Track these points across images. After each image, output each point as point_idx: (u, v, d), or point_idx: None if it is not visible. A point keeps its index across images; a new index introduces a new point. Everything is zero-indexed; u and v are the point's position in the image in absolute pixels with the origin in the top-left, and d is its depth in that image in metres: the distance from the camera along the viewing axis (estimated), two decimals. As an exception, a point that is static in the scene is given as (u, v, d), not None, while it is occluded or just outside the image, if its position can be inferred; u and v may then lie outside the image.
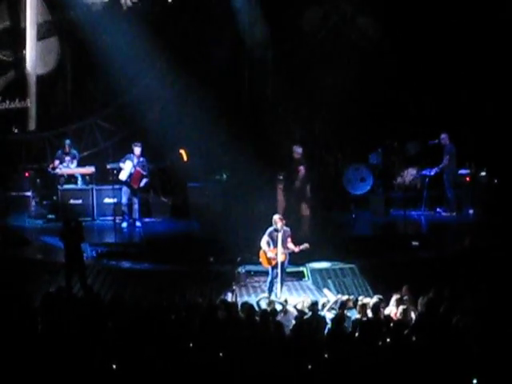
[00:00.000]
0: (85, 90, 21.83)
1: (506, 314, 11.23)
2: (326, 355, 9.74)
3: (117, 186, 19.09)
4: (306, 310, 13.33)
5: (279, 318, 12.75)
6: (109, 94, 21.56)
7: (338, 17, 21.41)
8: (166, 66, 20.94)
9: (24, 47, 21.24)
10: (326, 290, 14.90)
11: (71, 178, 20.10)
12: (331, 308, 13.58)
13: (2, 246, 17.24)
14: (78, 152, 20.39)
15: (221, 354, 9.66)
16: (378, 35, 20.96)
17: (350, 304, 13.54)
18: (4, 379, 9.20)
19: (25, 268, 15.81)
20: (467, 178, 19.91)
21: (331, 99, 20.08)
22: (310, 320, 12.27)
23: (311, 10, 21.43)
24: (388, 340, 10.39)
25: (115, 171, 19.13)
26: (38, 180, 20.68)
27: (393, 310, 12.58)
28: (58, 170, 19.86)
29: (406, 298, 12.91)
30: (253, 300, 14.35)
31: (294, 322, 12.26)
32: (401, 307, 12.35)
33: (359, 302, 13.08)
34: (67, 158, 19.93)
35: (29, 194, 19.96)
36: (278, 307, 13.81)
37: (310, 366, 9.30)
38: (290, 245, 14.79)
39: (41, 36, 21.35)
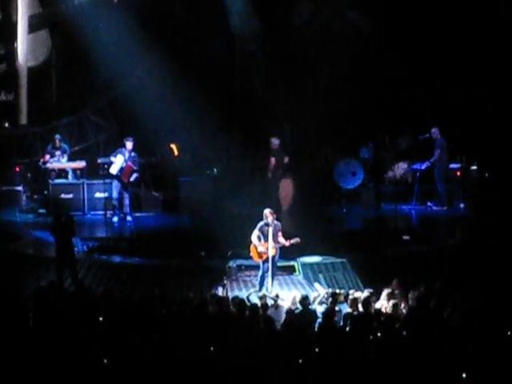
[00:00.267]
0: (75, 84, 21.76)
1: (497, 308, 11.25)
2: (316, 349, 9.73)
3: (108, 181, 19.06)
4: (298, 305, 13.32)
5: (270, 312, 12.73)
6: (99, 87, 21.52)
7: (329, 11, 21.41)
8: (157, 59, 20.89)
9: (15, 40, 21.16)
10: (316, 285, 14.89)
11: (62, 173, 20.03)
12: (322, 302, 13.56)
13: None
14: (68, 146, 20.37)
15: (212, 349, 9.65)
16: (368, 30, 20.98)
17: (341, 298, 13.47)
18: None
19: (16, 262, 15.78)
20: (458, 172, 19.95)
21: (322, 94, 20.09)
22: (300, 314, 12.26)
23: (302, 4, 21.44)
24: (379, 334, 10.39)
25: (106, 165, 19.10)
26: (28, 174, 20.62)
27: (384, 304, 12.57)
28: (48, 165, 19.81)
29: (396, 292, 12.90)
30: (244, 294, 14.35)
31: (284, 316, 12.25)
32: (392, 301, 12.34)
33: (350, 296, 13.05)
34: (58, 153, 19.89)
35: (20, 188, 19.91)
36: (270, 302, 13.80)
37: (300, 361, 9.29)
38: (281, 239, 14.78)
39: (32, 29, 21.27)
